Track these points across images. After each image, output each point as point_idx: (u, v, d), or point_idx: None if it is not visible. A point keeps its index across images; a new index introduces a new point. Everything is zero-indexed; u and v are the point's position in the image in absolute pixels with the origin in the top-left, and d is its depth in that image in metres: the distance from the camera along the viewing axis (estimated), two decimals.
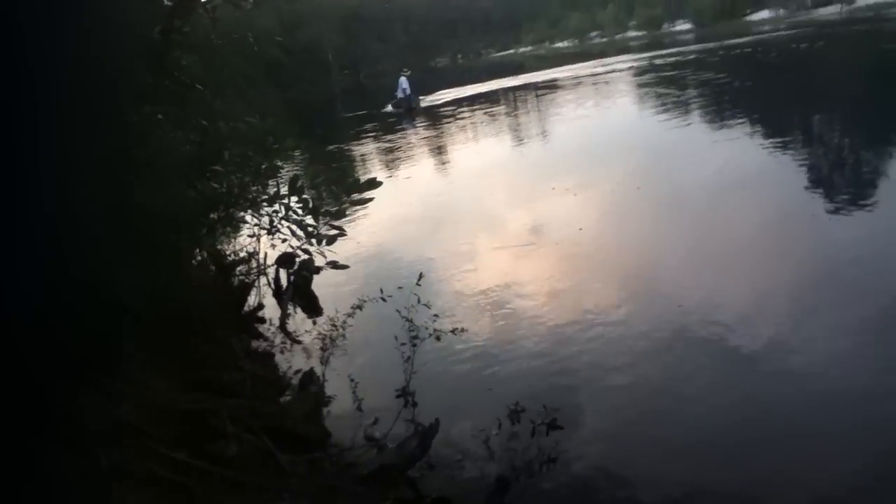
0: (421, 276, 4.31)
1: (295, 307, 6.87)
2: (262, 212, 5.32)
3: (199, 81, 5.71)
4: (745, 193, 8.69)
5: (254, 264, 7.06)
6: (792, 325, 5.01)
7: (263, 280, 6.89)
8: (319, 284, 6.93)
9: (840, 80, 18.68)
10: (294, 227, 4.78)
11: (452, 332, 4.14)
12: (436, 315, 4.16)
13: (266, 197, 5.17)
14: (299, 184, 4.93)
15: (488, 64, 69.61)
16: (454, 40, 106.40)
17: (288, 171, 6.56)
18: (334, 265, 4.50)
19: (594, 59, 46.73)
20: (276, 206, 5.15)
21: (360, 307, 4.18)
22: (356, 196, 4.22)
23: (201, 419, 4.12)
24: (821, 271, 5.99)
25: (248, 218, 5.65)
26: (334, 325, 4.15)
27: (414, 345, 3.90)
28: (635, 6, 78.56)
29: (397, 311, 4.13)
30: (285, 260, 7.13)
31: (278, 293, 7.01)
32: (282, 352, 5.59)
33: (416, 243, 8.45)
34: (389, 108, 30.13)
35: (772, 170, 9.74)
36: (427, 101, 30.60)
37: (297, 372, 5.05)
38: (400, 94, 29.49)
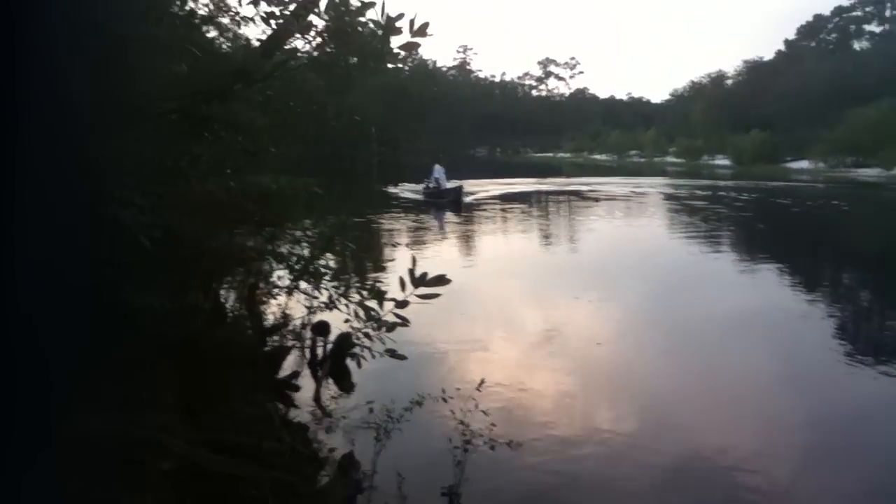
0: (482, 382, 4.30)
1: (327, 379, 6.82)
2: (322, 286, 5.32)
3: (273, 143, 5.81)
4: (758, 335, 8.89)
5: (290, 328, 7.08)
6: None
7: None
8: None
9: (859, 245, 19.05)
10: (357, 308, 4.76)
11: (508, 444, 4.09)
12: (493, 424, 4.12)
13: (328, 273, 5.19)
14: (366, 263, 4.95)
15: (527, 162, 70.95)
16: (495, 133, 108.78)
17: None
18: (392, 353, 4.44)
19: (630, 176, 47.83)
20: (336, 283, 5.17)
21: (420, 403, 4.14)
22: (423, 290, 4.20)
23: (235, 485, 4.06)
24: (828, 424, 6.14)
25: (305, 287, 5.65)
26: (389, 416, 4.09)
27: (466, 450, 3.85)
28: (676, 135, 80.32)
29: (451, 411, 4.10)
30: (321, 328, 7.13)
31: (313, 363, 6.97)
32: (320, 426, 5.51)
33: (451, 335, 8.40)
34: (419, 194, 27.31)
35: (791, 315, 9.94)
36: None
37: (331, 450, 4.96)
38: (432, 184, 26.63)
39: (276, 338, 6.92)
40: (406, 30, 3.63)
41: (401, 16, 3.68)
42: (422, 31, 3.66)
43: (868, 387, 6.97)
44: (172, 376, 4.97)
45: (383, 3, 3.62)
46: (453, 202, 24.90)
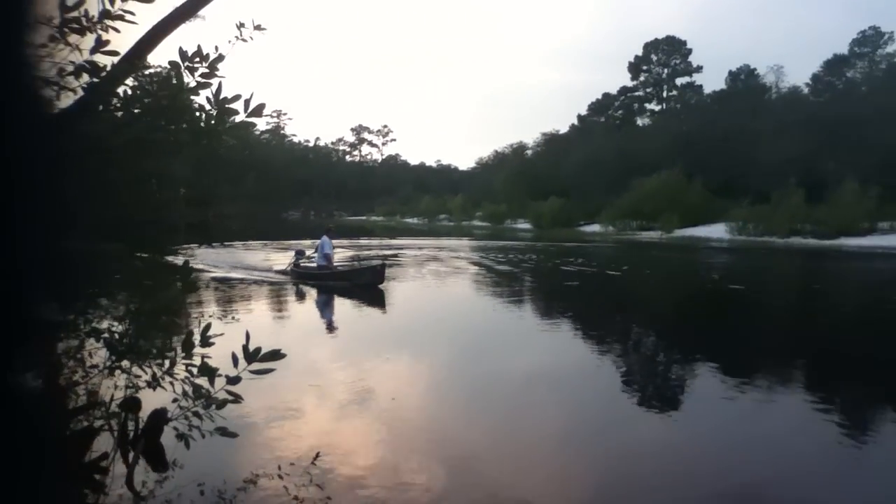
0: (317, 455, 4.26)
1: (138, 460, 6.39)
2: (145, 365, 5.04)
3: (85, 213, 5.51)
4: (536, 382, 9.52)
5: (102, 408, 6.58)
6: None
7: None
8: None
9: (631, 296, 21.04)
10: (185, 387, 4.56)
11: None
12: (329, 497, 4.07)
13: (154, 351, 4.94)
14: (194, 338, 4.77)
15: (341, 225, 71.20)
16: (308, 197, 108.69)
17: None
18: (224, 432, 4.32)
19: (439, 237, 49.76)
20: (160, 360, 4.92)
21: (254, 482, 4.01)
22: (256, 366, 4.17)
23: None
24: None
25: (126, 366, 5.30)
26: (221, 498, 3.92)
27: None
28: (482, 200, 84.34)
29: (286, 487, 4.02)
30: (131, 405, 6.70)
31: (123, 442, 6.51)
32: None
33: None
34: (285, 268, 22.53)
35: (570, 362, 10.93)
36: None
37: None
38: (320, 260, 20.90)
39: (82, 419, 6.40)
40: (241, 110, 3.69)
41: (237, 97, 3.74)
42: (257, 111, 3.75)
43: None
44: None
45: (220, 83, 3.66)
46: (367, 286, 19.14)
